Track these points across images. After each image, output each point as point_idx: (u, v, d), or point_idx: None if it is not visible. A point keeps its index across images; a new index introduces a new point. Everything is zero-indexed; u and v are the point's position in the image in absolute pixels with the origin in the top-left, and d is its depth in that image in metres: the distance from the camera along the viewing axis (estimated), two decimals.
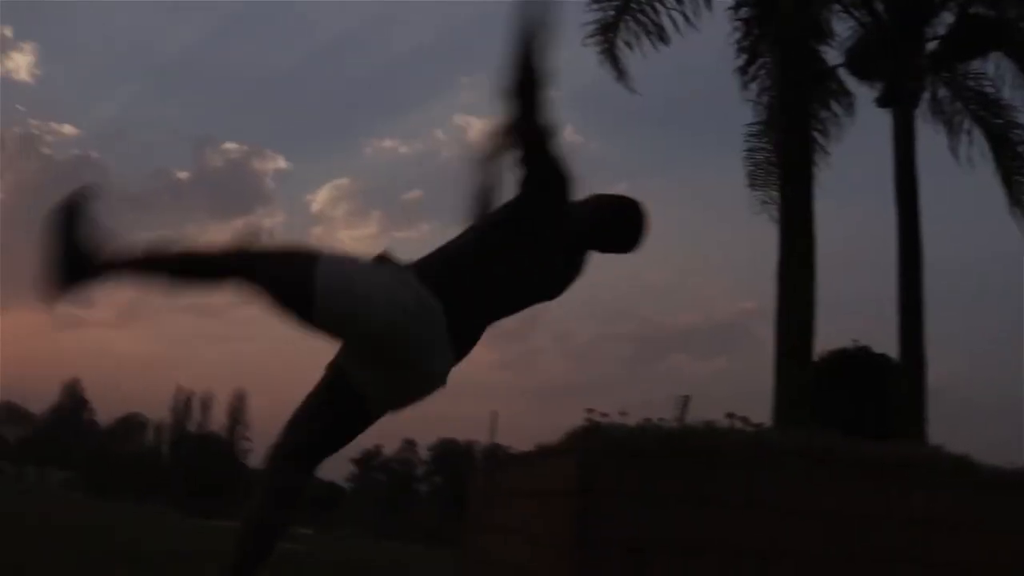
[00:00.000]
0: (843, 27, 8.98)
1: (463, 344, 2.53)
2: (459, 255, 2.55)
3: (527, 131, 2.56)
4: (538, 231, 2.54)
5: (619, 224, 2.73)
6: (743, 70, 8.77)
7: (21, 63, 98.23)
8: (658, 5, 8.09)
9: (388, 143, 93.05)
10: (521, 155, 2.58)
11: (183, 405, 69.75)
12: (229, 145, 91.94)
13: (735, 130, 9.56)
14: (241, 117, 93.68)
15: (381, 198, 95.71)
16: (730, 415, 4.94)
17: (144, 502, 40.82)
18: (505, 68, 2.56)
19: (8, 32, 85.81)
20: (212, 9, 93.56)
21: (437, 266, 2.50)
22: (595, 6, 8.21)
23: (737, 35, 8.70)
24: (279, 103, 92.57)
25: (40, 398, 76.88)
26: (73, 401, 73.57)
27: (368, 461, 63.94)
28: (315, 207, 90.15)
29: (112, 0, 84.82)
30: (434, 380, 2.54)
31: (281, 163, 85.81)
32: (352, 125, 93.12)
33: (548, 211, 2.56)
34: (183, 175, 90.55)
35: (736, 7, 8.60)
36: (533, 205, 2.54)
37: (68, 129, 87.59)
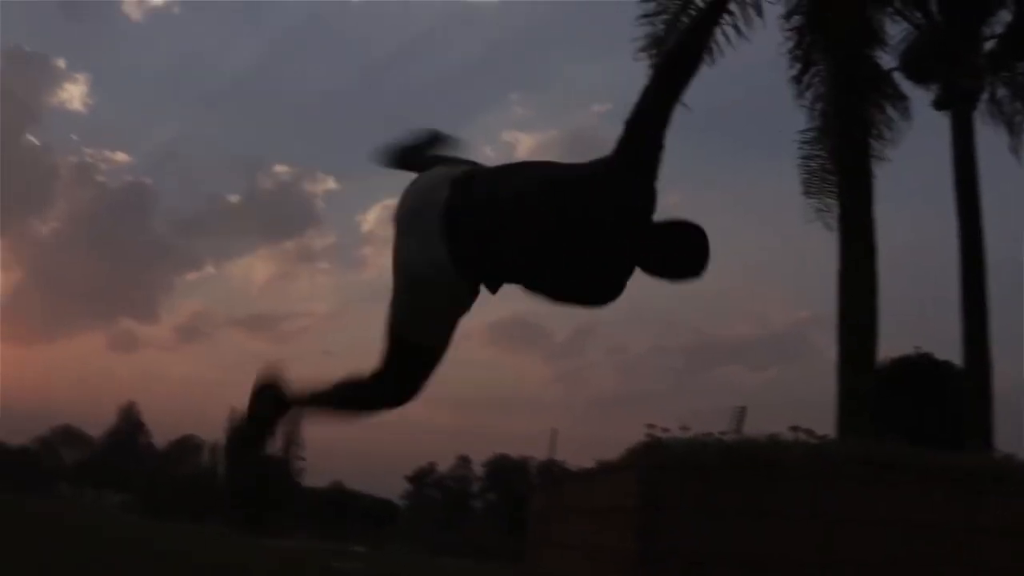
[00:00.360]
0: (897, 30, 8.86)
1: (493, 275, 2.51)
2: (526, 193, 2.50)
3: (657, 103, 2.49)
4: (617, 218, 2.47)
5: (685, 249, 2.65)
6: (797, 78, 8.67)
7: (74, 93, 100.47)
8: None
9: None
10: (640, 124, 2.49)
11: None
12: (279, 167, 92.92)
13: (785, 138, 9.44)
14: (291, 139, 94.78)
15: None
16: (793, 428, 4.88)
17: (200, 522, 40.49)
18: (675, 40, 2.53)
19: (61, 64, 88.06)
20: (260, 34, 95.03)
21: (499, 193, 2.47)
22: (645, 20, 8.23)
23: (790, 44, 8.60)
24: (328, 124, 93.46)
25: (97, 421, 75.45)
26: (129, 424, 73.96)
27: (422, 478, 64.53)
28: (365, 227, 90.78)
29: (160, 27, 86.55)
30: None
31: (331, 184, 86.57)
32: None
33: (634, 200, 2.49)
34: (234, 199, 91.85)
35: (788, 15, 8.50)
36: (624, 186, 2.48)
37: (121, 156, 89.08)
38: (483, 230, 2.44)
